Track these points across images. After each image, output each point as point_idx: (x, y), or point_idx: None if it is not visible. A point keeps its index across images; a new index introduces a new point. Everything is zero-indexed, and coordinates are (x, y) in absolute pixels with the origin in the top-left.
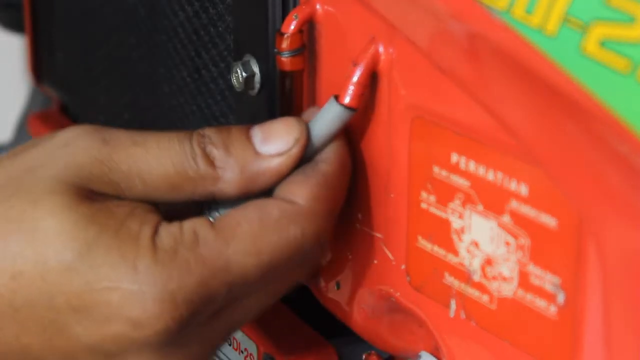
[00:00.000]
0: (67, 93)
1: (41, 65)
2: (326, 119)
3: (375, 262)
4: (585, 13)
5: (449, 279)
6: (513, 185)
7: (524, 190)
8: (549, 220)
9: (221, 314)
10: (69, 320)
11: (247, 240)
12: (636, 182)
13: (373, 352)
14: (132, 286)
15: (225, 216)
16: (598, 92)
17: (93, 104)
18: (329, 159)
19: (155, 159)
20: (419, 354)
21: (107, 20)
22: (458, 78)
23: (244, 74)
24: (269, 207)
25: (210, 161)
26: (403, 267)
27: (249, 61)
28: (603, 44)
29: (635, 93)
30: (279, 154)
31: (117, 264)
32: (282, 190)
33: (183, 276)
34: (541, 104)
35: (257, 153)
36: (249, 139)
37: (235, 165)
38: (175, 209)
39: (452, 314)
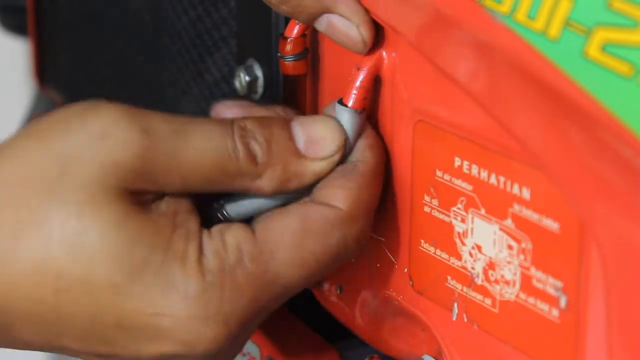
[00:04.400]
0: (71, 97)
1: (45, 69)
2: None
3: (378, 265)
4: (588, 17)
5: (452, 283)
6: (515, 189)
7: (526, 194)
8: (551, 224)
9: (262, 315)
10: (116, 335)
11: (291, 251)
12: (638, 185)
13: (376, 355)
14: (183, 312)
15: (266, 225)
16: (600, 95)
17: None
18: (365, 158)
19: (195, 152)
20: (422, 357)
21: (111, 24)
22: (461, 83)
23: (247, 78)
24: (311, 214)
25: (252, 158)
26: (406, 270)
27: (252, 65)
28: (605, 48)
29: (637, 97)
30: (321, 159)
31: (167, 290)
32: (322, 194)
33: (235, 298)
34: (543, 108)
35: (299, 154)
36: (291, 138)
37: (277, 165)
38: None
39: (454, 317)
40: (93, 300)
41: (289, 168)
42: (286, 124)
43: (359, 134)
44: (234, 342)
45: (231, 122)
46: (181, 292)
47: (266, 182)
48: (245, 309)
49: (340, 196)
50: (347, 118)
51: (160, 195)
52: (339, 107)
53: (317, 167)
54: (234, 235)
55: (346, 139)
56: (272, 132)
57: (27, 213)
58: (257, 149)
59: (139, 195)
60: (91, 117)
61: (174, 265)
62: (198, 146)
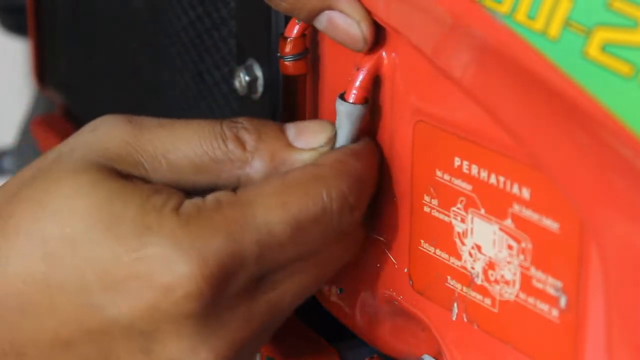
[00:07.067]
0: (71, 97)
1: (44, 69)
2: (339, 119)
3: (378, 265)
4: (588, 17)
5: (452, 283)
6: (515, 189)
7: (526, 194)
8: (551, 224)
9: (259, 287)
10: (101, 300)
11: (270, 196)
12: (638, 185)
13: (376, 355)
14: (157, 250)
15: (246, 187)
16: (600, 96)
17: (96, 108)
18: (356, 144)
19: (182, 139)
20: (422, 357)
21: (111, 24)
22: (461, 82)
23: (247, 78)
24: (291, 172)
25: (241, 144)
26: (406, 270)
27: (252, 65)
28: (605, 48)
29: (637, 97)
30: (311, 149)
31: (142, 233)
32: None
33: (209, 234)
34: (544, 108)
35: (289, 144)
36: (282, 131)
37: (266, 152)
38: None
39: (454, 317)
40: (74, 259)
41: (277, 156)
42: (279, 123)
43: (359, 126)
44: (219, 298)
45: (222, 119)
46: (155, 232)
47: (255, 170)
48: (221, 247)
49: (322, 158)
50: (345, 110)
51: (148, 181)
52: (339, 100)
53: (306, 156)
54: (215, 194)
55: (336, 134)
56: (263, 123)
57: (17, 195)
58: (247, 136)
59: (125, 176)
60: (91, 122)
61: (150, 213)
62: (185, 134)
